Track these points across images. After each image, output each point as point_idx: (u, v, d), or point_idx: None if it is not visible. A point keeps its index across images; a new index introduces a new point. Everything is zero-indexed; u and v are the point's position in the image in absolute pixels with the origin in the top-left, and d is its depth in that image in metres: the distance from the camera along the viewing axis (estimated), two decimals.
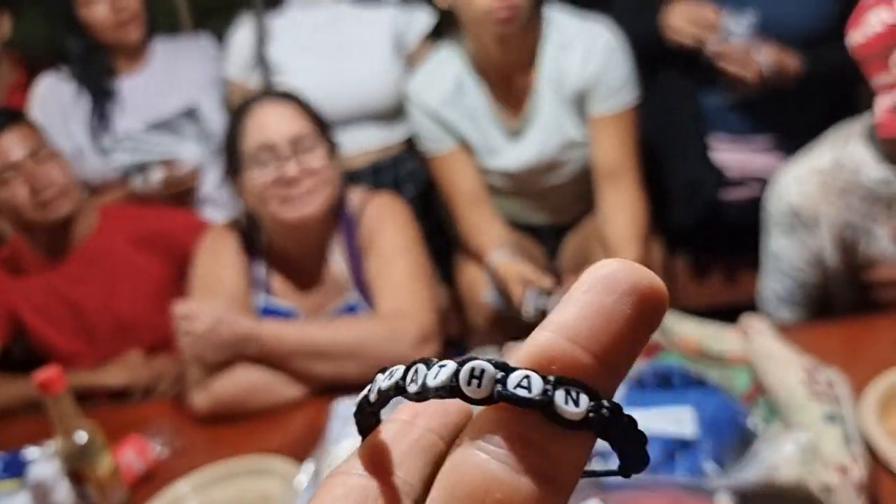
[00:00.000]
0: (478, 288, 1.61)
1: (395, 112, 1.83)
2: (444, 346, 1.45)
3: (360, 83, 1.79)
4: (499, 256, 1.53)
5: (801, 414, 0.97)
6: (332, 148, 1.42)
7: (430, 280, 1.47)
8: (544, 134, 1.60)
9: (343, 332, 1.37)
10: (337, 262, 1.47)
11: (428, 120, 1.64)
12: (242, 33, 1.85)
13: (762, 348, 1.07)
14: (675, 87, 1.71)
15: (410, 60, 1.82)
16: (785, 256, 1.39)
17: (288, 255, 1.47)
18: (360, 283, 1.47)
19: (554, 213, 1.75)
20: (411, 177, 1.90)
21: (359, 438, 0.25)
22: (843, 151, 1.30)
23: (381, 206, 1.49)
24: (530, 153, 1.62)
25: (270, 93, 1.52)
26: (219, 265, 1.46)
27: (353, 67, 1.79)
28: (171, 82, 1.89)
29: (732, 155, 1.69)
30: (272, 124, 1.37)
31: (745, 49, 1.53)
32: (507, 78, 1.59)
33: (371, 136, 1.84)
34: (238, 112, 1.42)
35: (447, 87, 1.61)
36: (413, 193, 1.90)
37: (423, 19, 1.83)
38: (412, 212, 1.52)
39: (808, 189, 1.31)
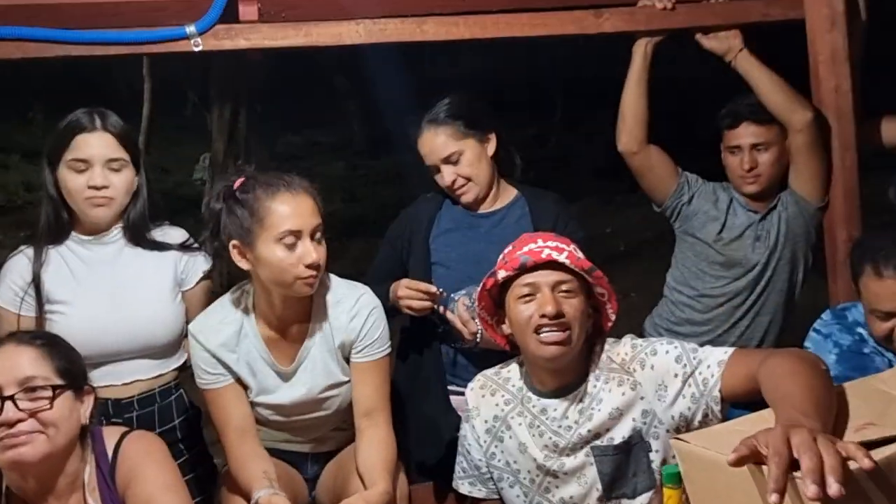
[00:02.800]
0: None
1: (170, 348, 1.95)
2: None
3: (138, 321, 1.90)
4: (264, 493, 1.65)
5: None
6: (78, 393, 1.52)
7: None
8: (313, 376, 1.82)
9: None
10: (92, 498, 1.50)
11: (207, 357, 1.79)
12: (18, 260, 1.90)
13: None
14: (419, 340, 2.05)
15: (186, 299, 1.98)
16: (464, 439, 1.80)
17: (31, 494, 1.48)
18: None
19: (316, 443, 1.93)
20: (176, 403, 1.99)
21: None
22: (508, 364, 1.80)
23: (138, 443, 1.56)
24: (299, 392, 1.82)
25: (19, 333, 1.61)
26: None
27: (132, 305, 1.90)
28: None
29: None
30: (3, 367, 1.45)
31: (466, 319, 1.94)
32: (285, 328, 1.81)
33: (144, 368, 1.93)
34: None
35: (228, 332, 1.79)
36: (175, 420, 1.98)
37: (202, 263, 2.00)
38: (167, 443, 1.61)
39: (474, 385, 1.81)
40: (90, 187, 1.85)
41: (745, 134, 2.26)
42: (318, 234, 1.72)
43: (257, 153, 7.30)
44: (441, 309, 1.98)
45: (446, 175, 2.08)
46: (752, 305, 2.33)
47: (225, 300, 1.84)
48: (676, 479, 1.35)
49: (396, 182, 8.80)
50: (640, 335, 1.82)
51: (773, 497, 1.03)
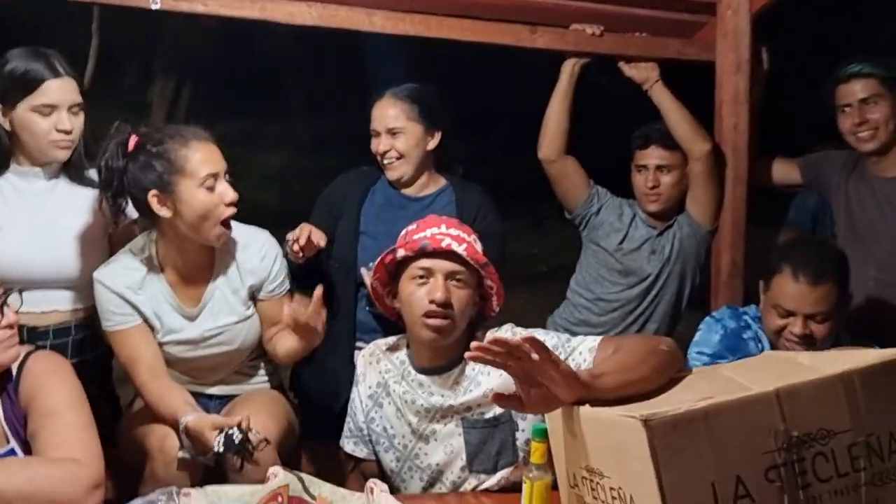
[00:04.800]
0: (170, 441, 1.79)
1: (91, 284, 2.00)
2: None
3: (64, 252, 1.99)
4: (191, 417, 1.76)
5: None
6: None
7: (95, 432, 1.60)
8: (217, 315, 1.95)
9: (14, 474, 1.45)
10: None
11: (114, 298, 1.89)
12: None
13: (380, 500, 1.47)
14: (337, 302, 2.20)
15: (112, 241, 2.07)
16: (352, 402, 1.93)
17: None
18: (20, 436, 1.58)
19: (221, 385, 2.05)
20: (90, 340, 2.07)
21: None
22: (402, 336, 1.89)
23: (42, 363, 1.63)
24: (204, 328, 1.95)
25: None
26: None
27: (60, 236, 1.99)
28: None
29: None
30: None
31: None
32: (190, 273, 1.94)
33: (65, 299, 2.01)
34: None
35: (134, 277, 1.91)
36: (87, 355, 2.06)
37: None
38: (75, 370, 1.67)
39: (364, 352, 1.91)
40: (59, 131, 1.93)
41: (653, 155, 2.49)
42: (228, 176, 1.87)
43: None
44: (363, 273, 2.11)
45: (382, 143, 2.23)
46: (643, 313, 2.54)
47: (130, 248, 1.96)
48: (543, 434, 1.52)
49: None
50: None
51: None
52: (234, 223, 1.98)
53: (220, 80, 8.58)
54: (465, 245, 1.75)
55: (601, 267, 2.57)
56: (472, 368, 1.78)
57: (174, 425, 1.80)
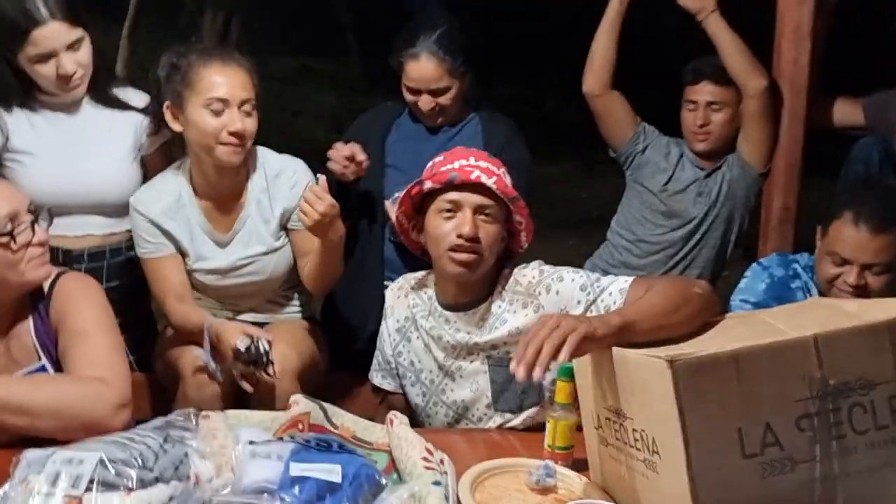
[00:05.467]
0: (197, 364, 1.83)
1: (123, 208, 2.00)
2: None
3: (92, 176, 1.99)
4: (216, 320, 1.81)
5: (418, 479, 1.34)
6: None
7: (124, 353, 1.63)
8: (248, 244, 1.96)
9: (42, 389, 1.47)
10: (26, 331, 1.60)
11: (148, 226, 1.92)
12: None
13: (399, 432, 1.45)
14: (367, 237, 2.18)
15: (144, 163, 2.07)
16: (380, 335, 1.90)
17: None
18: (50, 354, 1.60)
19: (252, 314, 2.06)
20: (125, 264, 2.07)
21: None
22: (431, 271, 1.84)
23: (73, 283, 1.64)
24: (234, 258, 1.96)
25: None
26: None
27: (88, 160, 1.98)
28: None
29: None
30: (12, 195, 1.56)
31: None
32: (221, 199, 1.95)
33: (98, 224, 2.02)
34: None
35: (168, 201, 1.93)
36: (121, 279, 2.07)
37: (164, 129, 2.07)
38: (109, 300, 1.67)
39: (393, 286, 1.92)
40: (61, 76, 1.88)
41: (703, 91, 2.37)
42: (248, 107, 1.84)
43: None
44: (387, 205, 2.08)
45: (425, 101, 2.12)
46: (685, 257, 2.46)
47: (166, 173, 1.97)
48: (569, 374, 1.48)
49: None
50: None
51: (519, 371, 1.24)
52: (268, 151, 1.99)
53: (277, 17, 8.52)
54: (494, 178, 1.69)
55: (644, 208, 2.48)
56: (499, 306, 1.74)
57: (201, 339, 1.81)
